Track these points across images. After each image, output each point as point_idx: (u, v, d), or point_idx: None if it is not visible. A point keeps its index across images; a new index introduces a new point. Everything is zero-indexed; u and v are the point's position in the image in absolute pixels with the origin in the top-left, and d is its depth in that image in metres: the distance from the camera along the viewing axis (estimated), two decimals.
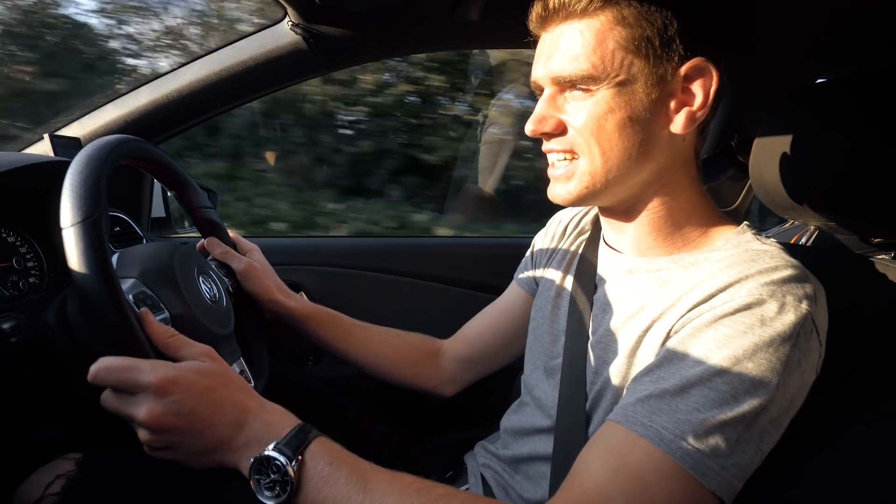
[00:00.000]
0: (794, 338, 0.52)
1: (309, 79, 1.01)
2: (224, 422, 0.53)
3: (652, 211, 0.65)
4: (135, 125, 0.98)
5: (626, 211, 0.67)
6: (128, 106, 0.98)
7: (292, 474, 0.50)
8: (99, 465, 0.61)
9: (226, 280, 0.85)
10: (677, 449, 0.49)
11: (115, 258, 0.69)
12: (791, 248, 0.67)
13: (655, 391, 0.53)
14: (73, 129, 1.00)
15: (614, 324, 0.66)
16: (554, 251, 0.85)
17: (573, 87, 0.60)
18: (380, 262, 1.29)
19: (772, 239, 0.64)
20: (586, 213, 0.86)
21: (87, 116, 0.99)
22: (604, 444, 0.54)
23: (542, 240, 0.90)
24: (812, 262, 0.65)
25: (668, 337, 0.57)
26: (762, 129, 0.78)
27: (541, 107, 0.63)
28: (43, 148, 0.92)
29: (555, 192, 0.66)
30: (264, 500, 0.50)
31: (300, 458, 0.51)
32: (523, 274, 0.93)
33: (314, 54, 0.93)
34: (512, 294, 0.95)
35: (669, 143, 0.61)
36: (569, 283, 0.78)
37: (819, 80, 1.03)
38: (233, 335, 0.75)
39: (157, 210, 1.19)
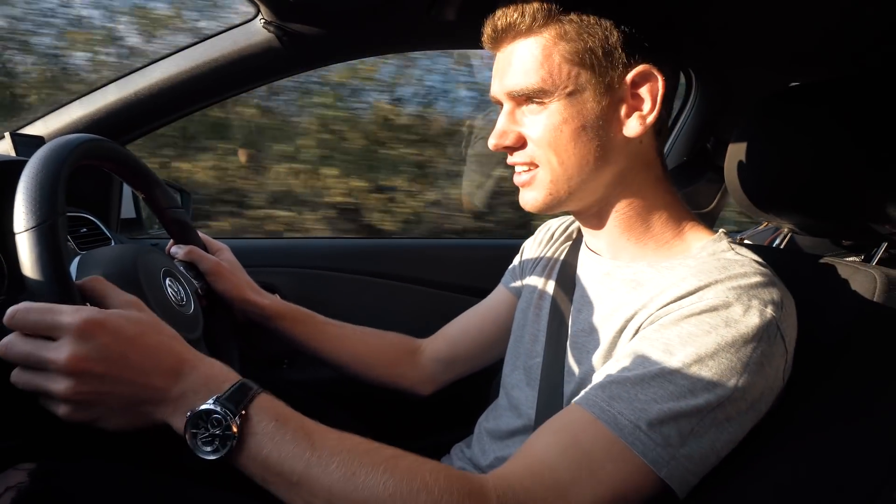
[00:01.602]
0: (756, 340, 0.53)
1: (281, 78, 0.99)
2: (158, 369, 0.50)
3: (621, 212, 0.68)
4: (102, 124, 0.95)
5: (596, 214, 0.70)
6: (95, 104, 0.95)
7: (234, 429, 0.48)
8: (54, 476, 0.58)
9: (195, 282, 0.83)
10: (630, 434, 0.51)
11: (76, 261, 0.67)
12: (764, 253, 0.68)
13: (617, 379, 0.55)
14: (37, 128, 0.97)
15: (590, 325, 0.68)
16: (540, 256, 0.87)
17: (528, 100, 0.64)
18: (357, 263, 1.28)
19: (745, 246, 0.64)
20: (573, 221, 0.87)
21: (51, 114, 0.96)
22: (560, 422, 0.56)
23: (531, 246, 0.92)
24: (783, 265, 0.66)
25: (636, 333, 0.60)
26: (736, 133, 0.80)
27: (501, 122, 0.67)
28: (4, 147, 0.89)
29: (524, 199, 0.69)
30: (202, 456, 0.48)
31: (244, 412, 0.49)
32: (510, 277, 0.94)
33: (287, 53, 0.91)
34: (498, 296, 0.95)
35: (626, 146, 0.64)
36: (551, 286, 0.80)
37: (793, 84, 1.06)
38: (201, 339, 0.73)
39: (127, 211, 1.16)
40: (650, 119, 0.63)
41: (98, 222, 1.03)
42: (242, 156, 2.21)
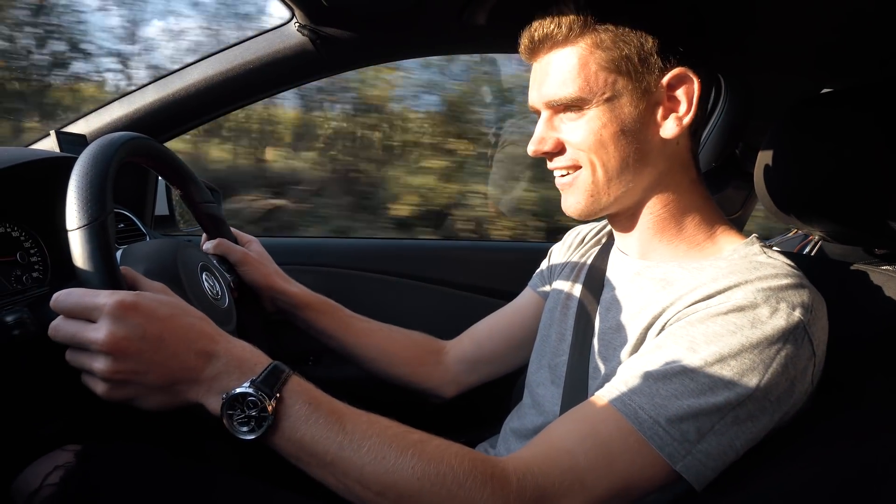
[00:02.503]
0: (781, 342, 0.54)
1: (315, 80, 1.01)
2: (191, 349, 0.52)
3: (655, 213, 0.69)
4: (141, 123, 0.99)
5: (631, 215, 0.70)
6: (134, 104, 0.99)
7: (270, 411, 0.50)
8: (98, 457, 0.61)
9: (227, 276, 0.86)
10: (649, 429, 0.53)
11: (118, 255, 0.69)
12: (794, 259, 0.67)
13: (640, 374, 0.56)
14: (80, 127, 1.00)
15: (618, 322, 0.69)
16: (568, 260, 0.88)
17: (566, 109, 0.65)
18: (382, 263, 1.29)
19: (776, 250, 0.64)
20: (604, 227, 0.88)
21: (93, 114, 1.00)
22: (581, 412, 0.58)
23: (559, 249, 0.93)
24: (813, 271, 0.65)
25: (662, 329, 0.60)
26: (766, 139, 0.79)
27: (539, 129, 0.68)
28: (49, 144, 0.93)
29: (567, 204, 0.70)
30: (239, 436, 0.50)
31: (278, 395, 0.51)
32: (538, 281, 0.95)
33: (320, 55, 0.93)
34: (525, 299, 0.96)
35: (663, 148, 0.65)
36: (579, 288, 0.81)
37: (824, 91, 1.04)
38: (235, 332, 0.75)
39: (161, 208, 1.19)
40: (686, 120, 0.64)
41: (134, 218, 1.07)
42: (270, 153, 2.25)
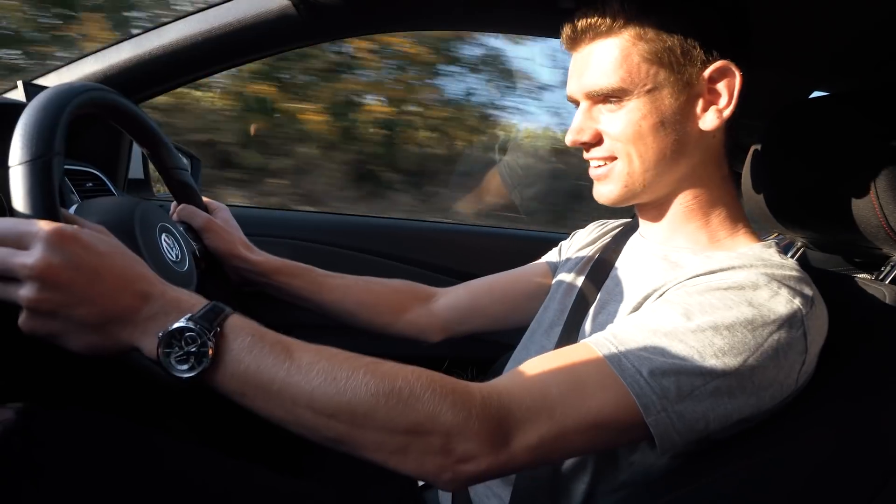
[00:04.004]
0: (776, 326, 0.53)
1: (297, 48, 0.98)
2: (128, 289, 0.49)
3: (685, 204, 0.69)
4: (115, 80, 0.95)
5: (661, 205, 0.71)
6: (108, 60, 0.95)
7: (210, 345, 0.47)
8: (43, 417, 0.58)
9: (192, 243, 0.83)
10: (630, 376, 0.52)
11: (73, 208, 0.67)
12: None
13: (630, 328, 0.56)
14: (51, 80, 0.97)
15: (618, 294, 0.70)
16: (584, 249, 0.87)
17: (605, 99, 0.65)
18: (364, 241, 1.27)
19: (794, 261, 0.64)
20: (627, 221, 0.88)
21: (65, 68, 0.96)
22: (564, 351, 0.57)
23: (582, 235, 0.92)
24: None
25: (660, 297, 0.61)
26: (757, 140, 0.78)
27: (578, 119, 0.68)
28: (16, 96, 0.89)
29: (599, 192, 0.70)
30: (177, 375, 0.48)
31: (218, 329, 0.49)
32: (554, 254, 0.95)
33: (304, 22, 0.90)
34: (534, 267, 0.95)
35: (701, 140, 0.65)
36: (581, 279, 0.81)
37: (813, 95, 1.03)
38: None
39: (136, 171, 1.16)
40: (727, 113, 0.64)
41: (104, 178, 1.04)
42: (252, 129, 2.22)
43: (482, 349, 1.17)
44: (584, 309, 0.75)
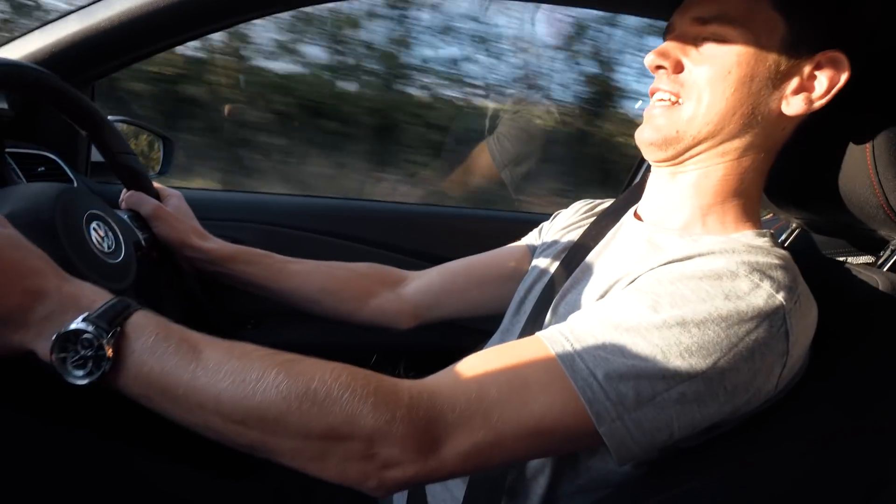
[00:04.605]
0: (754, 323, 0.48)
1: (255, 17, 0.92)
2: (19, 287, 0.45)
3: (713, 180, 0.63)
4: (61, 56, 0.89)
5: (689, 173, 0.64)
6: (55, 34, 0.89)
7: (108, 348, 0.43)
8: None
9: (137, 232, 0.78)
10: (582, 379, 0.47)
11: None
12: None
13: (590, 321, 0.51)
14: None
15: (588, 279, 0.65)
16: (564, 231, 0.82)
17: (709, 31, 0.59)
18: (335, 225, 1.21)
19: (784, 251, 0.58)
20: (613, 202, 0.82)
21: (8, 45, 0.91)
22: (513, 345, 0.52)
23: (564, 215, 0.86)
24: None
25: (631, 283, 0.56)
26: None
27: (668, 43, 0.63)
28: None
29: (643, 134, 0.64)
30: (73, 381, 0.44)
31: (118, 329, 0.44)
32: (533, 236, 0.89)
33: None
34: (514, 248, 0.89)
35: (774, 122, 0.60)
36: (556, 265, 0.75)
37: None
38: (131, 290, 0.69)
39: (99, 154, 1.11)
40: (817, 104, 0.58)
41: (60, 162, 0.99)
42: (227, 110, 2.16)
43: (463, 337, 1.12)
44: (553, 291, 0.70)
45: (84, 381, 0.44)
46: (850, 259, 0.84)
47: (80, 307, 0.45)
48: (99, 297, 0.47)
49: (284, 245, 1.11)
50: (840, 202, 0.63)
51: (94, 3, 0.89)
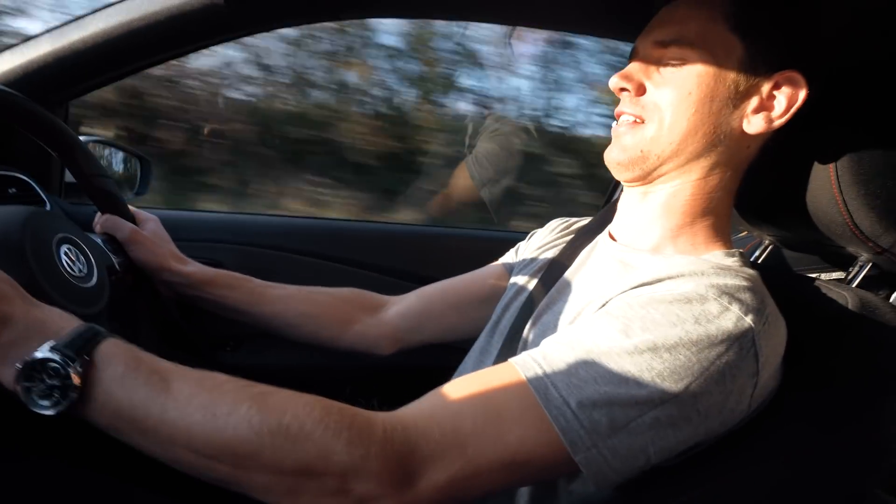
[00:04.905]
0: (724, 346, 0.48)
1: (227, 41, 0.91)
2: None
3: (681, 200, 0.64)
4: (33, 77, 0.88)
5: (658, 193, 0.65)
6: (26, 56, 0.88)
7: (75, 378, 0.42)
8: None
9: (111, 256, 0.77)
10: (556, 408, 0.47)
11: None
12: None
13: (562, 349, 0.51)
14: None
15: (563, 300, 0.66)
16: (541, 249, 0.82)
17: (668, 55, 0.61)
18: (315, 245, 1.20)
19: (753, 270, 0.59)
20: (589, 221, 0.83)
21: None
22: (483, 375, 0.52)
23: (542, 234, 0.86)
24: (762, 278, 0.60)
25: (602, 307, 0.56)
26: None
27: (632, 65, 0.65)
28: None
29: (610, 154, 0.66)
30: (39, 411, 0.42)
31: (87, 358, 0.43)
32: (510, 257, 0.89)
33: (230, 13, 0.84)
34: (491, 268, 0.89)
35: (737, 141, 0.62)
36: (534, 282, 0.75)
37: None
38: (103, 315, 0.67)
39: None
40: (777, 123, 0.60)
41: (33, 183, 0.97)
42: (207, 130, 2.16)
43: (442, 356, 1.12)
44: (530, 310, 0.70)
45: (50, 412, 0.42)
46: (822, 275, 0.86)
47: (46, 334, 0.44)
48: (67, 323, 0.46)
49: (263, 265, 1.11)
50: (809, 220, 0.64)
51: (66, 23, 0.89)
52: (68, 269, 0.63)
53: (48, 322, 0.46)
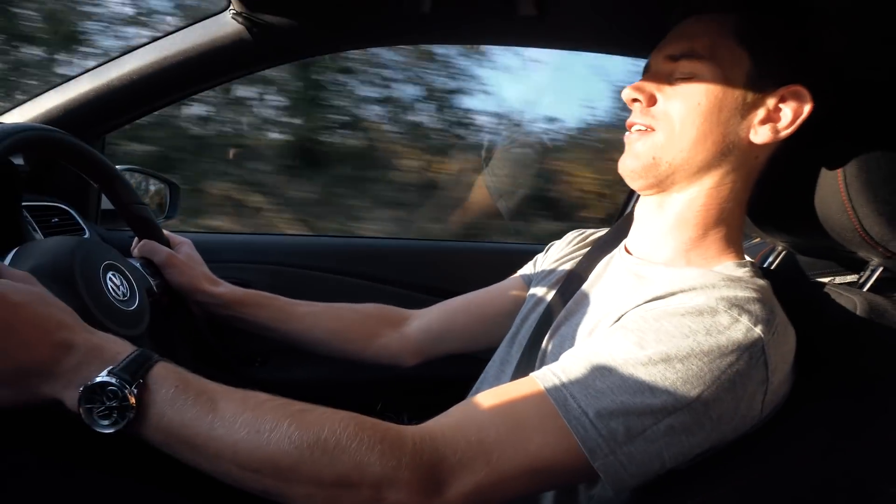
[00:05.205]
0: (734, 356, 0.50)
1: (256, 71, 0.97)
2: (46, 341, 0.48)
3: (692, 212, 0.66)
4: (75, 114, 0.95)
5: (670, 204, 0.67)
6: (69, 94, 0.95)
7: (132, 399, 0.46)
8: None
9: (150, 279, 0.82)
10: (575, 418, 0.50)
11: (13, 252, 0.65)
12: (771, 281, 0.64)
13: (580, 362, 0.53)
14: (13, 117, 0.97)
15: (581, 312, 0.68)
16: (559, 262, 0.84)
17: (680, 71, 0.63)
18: (339, 263, 1.25)
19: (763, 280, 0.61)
20: (606, 232, 0.85)
21: (27, 104, 0.96)
22: (506, 388, 0.55)
23: (559, 245, 0.89)
24: (773, 285, 0.62)
25: (617, 321, 0.58)
26: None
27: (644, 78, 0.67)
28: None
29: (624, 163, 0.67)
30: (100, 430, 0.46)
31: (141, 381, 0.47)
32: (529, 269, 0.92)
33: (259, 45, 0.89)
34: (511, 282, 0.92)
35: (745, 151, 0.63)
36: (552, 294, 0.78)
37: None
38: (145, 336, 0.71)
39: (108, 202, 1.15)
40: (783, 134, 0.62)
41: (73, 212, 1.03)
42: (231, 153, 2.25)
43: (464, 366, 1.14)
44: (548, 322, 0.72)
45: (110, 431, 0.46)
46: (836, 279, 0.86)
47: (104, 360, 0.48)
48: (122, 349, 0.50)
49: (289, 284, 1.16)
50: (820, 227, 0.65)
51: (104, 63, 0.95)
52: (113, 293, 0.68)
53: (105, 348, 0.50)
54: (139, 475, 0.61)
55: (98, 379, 0.46)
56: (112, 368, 0.47)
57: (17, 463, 0.56)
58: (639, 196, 0.72)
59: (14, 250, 0.66)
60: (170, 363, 0.51)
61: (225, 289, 0.88)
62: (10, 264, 0.64)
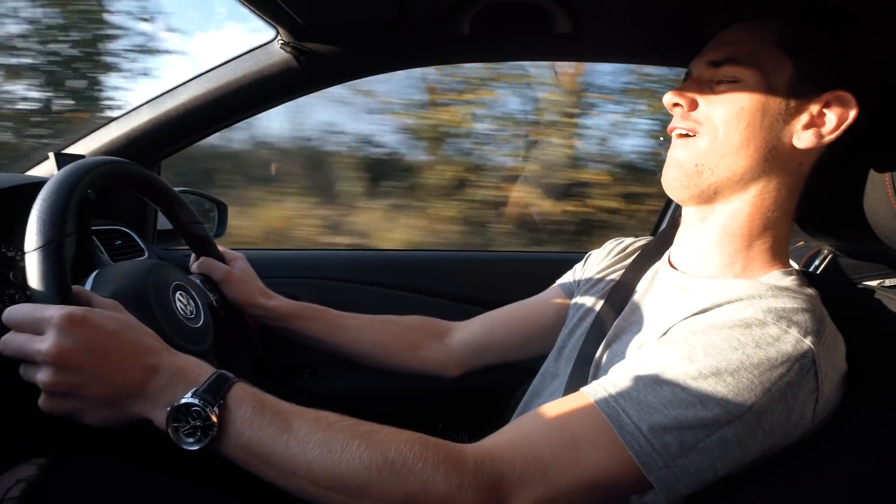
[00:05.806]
0: (784, 368, 0.51)
1: (302, 95, 1.02)
2: (138, 364, 0.52)
3: (737, 222, 0.65)
4: (136, 142, 1.01)
5: (714, 215, 0.66)
6: (129, 124, 1.01)
7: (214, 419, 0.50)
8: (62, 470, 0.61)
9: (209, 295, 0.86)
10: (629, 434, 0.51)
11: (92, 277, 0.71)
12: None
13: (631, 377, 0.54)
14: (79, 147, 1.04)
15: (632, 328, 0.68)
16: (601, 271, 0.85)
17: (722, 76, 0.63)
18: (383, 275, 1.28)
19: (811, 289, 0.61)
20: (647, 242, 0.86)
21: (92, 135, 1.03)
22: (558, 404, 0.56)
23: (597, 256, 0.90)
24: (821, 293, 0.62)
25: (664, 334, 0.59)
26: None
27: (686, 84, 0.67)
28: (48, 167, 0.96)
29: (666, 176, 0.67)
30: (185, 447, 0.50)
31: (222, 402, 0.51)
32: (569, 279, 0.93)
33: (305, 71, 0.94)
34: (551, 293, 0.94)
35: (788, 157, 0.62)
36: (600, 304, 0.79)
37: None
38: (211, 351, 0.76)
39: (164, 223, 1.22)
40: (827, 139, 0.61)
41: (133, 234, 1.09)
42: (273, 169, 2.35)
43: (508, 376, 1.16)
44: (599, 337, 0.73)
45: (194, 448, 0.50)
46: (886, 281, 0.85)
47: (188, 381, 0.52)
48: (203, 371, 0.54)
49: (336, 297, 1.20)
50: (869, 231, 0.65)
51: (161, 94, 1.01)
52: (182, 311, 0.73)
53: (188, 370, 0.54)
54: (221, 489, 0.65)
55: (184, 400, 0.50)
56: (196, 390, 0.51)
57: (119, 474, 0.60)
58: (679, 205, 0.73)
59: (92, 275, 0.71)
60: (246, 383, 0.54)
61: (278, 302, 0.92)
62: (90, 289, 0.69)
